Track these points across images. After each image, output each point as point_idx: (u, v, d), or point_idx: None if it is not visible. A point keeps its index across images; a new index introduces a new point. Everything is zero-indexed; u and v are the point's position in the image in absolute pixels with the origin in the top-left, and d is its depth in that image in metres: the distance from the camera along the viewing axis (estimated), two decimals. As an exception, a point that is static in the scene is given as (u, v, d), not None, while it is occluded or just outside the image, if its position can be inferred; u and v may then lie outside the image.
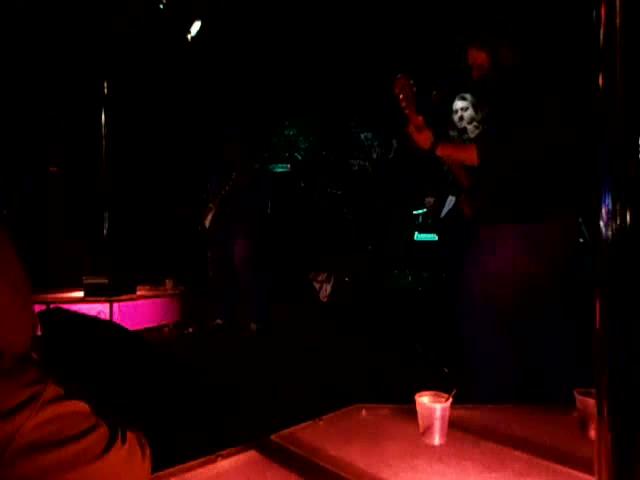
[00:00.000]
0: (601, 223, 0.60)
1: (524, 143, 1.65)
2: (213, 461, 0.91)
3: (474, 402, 1.27)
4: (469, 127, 3.10)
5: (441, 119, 3.28)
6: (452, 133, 3.25)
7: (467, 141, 3.06)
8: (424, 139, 1.89)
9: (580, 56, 1.62)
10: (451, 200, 3.26)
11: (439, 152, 1.87)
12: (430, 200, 3.64)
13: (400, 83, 1.90)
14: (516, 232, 1.74)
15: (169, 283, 4.66)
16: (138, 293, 4.29)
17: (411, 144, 1.97)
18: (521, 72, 1.74)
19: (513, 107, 1.72)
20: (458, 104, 3.12)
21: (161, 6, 4.18)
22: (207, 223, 3.98)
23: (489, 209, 1.85)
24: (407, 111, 1.91)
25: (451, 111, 3.18)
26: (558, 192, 1.72)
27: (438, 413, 0.98)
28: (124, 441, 0.68)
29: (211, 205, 3.94)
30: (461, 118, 3.10)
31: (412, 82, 1.90)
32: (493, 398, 1.72)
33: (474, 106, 3.07)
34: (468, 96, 3.10)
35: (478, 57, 1.84)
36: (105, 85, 4.41)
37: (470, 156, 1.78)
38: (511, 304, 1.75)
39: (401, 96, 1.90)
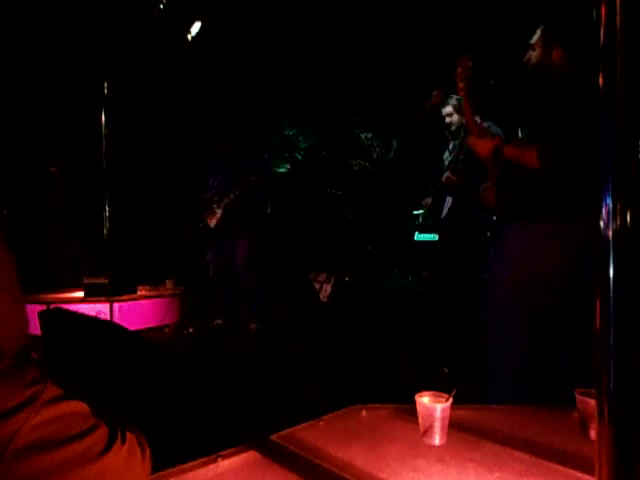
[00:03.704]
0: (601, 223, 0.60)
1: (580, 148, 1.64)
2: (213, 461, 0.91)
3: (474, 401, 1.27)
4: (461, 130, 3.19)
5: (440, 120, 3.32)
6: (447, 134, 3.32)
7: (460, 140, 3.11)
8: (484, 144, 1.89)
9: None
10: (449, 200, 3.28)
11: (506, 154, 1.84)
12: (427, 201, 3.68)
13: (463, 62, 1.93)
14: (551, 232, 1.72)
15: (169, 283, 4.66)
16: (138, 293, 4.29)
17: (473, 152, 1.99)
18: (572, 79, 1.71)
19: (568, 111, 1.68)
20: (444, 111, 3.24)
21: (161, 6, 4.18)
22: (213, 224, 3.95)
23: (525, 206, 1.82)
24: (462, 93, 1.96)
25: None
26: (578, 192, 1.71)
27: (438, 413, 0.98)
28: (124, 441, 0.68)
29: (216, 208, 3.92)
30: (450, 123, 3.22)
31: (471, 65, 1.93)
32: (510, 396, 1.71)
33: (457, 110, 3.17)
34: (451, 101, 3.18)
35: (536, 43, 1.84)
36: (105, 85, 4.40)
37: (531, 160, 1.74)
38: (518, 303, 1.74)
39: (462, 75, 1.93)
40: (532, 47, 1.85)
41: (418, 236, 5.55)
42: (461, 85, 1.94)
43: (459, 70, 1.94)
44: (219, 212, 3.90)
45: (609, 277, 0.59)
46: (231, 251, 3.95)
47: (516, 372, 1.78)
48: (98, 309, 3.79)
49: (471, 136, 2.00)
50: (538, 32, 1.85)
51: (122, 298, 3.99)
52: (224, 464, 0.91)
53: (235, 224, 3.91)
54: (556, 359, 1.79)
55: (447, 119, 3.24)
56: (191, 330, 4.07)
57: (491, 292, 1.88)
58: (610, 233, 0.59)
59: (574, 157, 1.65)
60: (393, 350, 3.39)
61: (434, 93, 3.13)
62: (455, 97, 3.16)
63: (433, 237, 5.19)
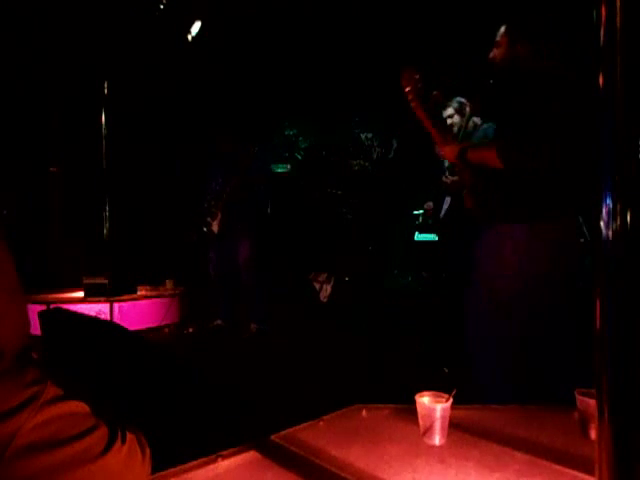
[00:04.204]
0: (601, 223, 0.60)
1: (546, 150, 1.62)
2: (213, 461, 0.91)
3: (474, 401, 1.27)
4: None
5: (442, 120, 3.32)
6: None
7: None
8: (449, 150, 1.91)
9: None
10: (447, 200, 3.29)
11: (470, 157, 1.85)
12: (430, 204, 3.70)
13: (407, 76, 1.91)
14: (525, 232, 1.73)
15: (169, 283, 4.66)
16: (138, 293, 4.29)
17: (441, 155, 1.99)
18: (537, 74, 1.71)
19: (530, 109, 1.67)
20: (445, 113, 3.23)
21: (161, 6, 4.17)
22: (215, 228, 3.96)
23: (499, 207, 1.82)
24: (413, 105, 1.92)
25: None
26: (567, 192, 1.71)
27: (438, 413, 0.98)
28: (124, 441, 0.68)
29: (215, 210, 3.92)
30: (451, 125, 3.22)
31: (419, 76, 1.91)
32: (495, 396, 1.72)
33: (458, 112, 3.17)
34: (452, 103, 3.18)
35: (501, 40, 1.83)
36: (105, 85, 4.40)
37: (493, 159, 1.73)
38: (519, 304, 1.75)
39: (408, 89, 1.90)
40: (497, 44, 1.84)
41: (418, 236, 5.55)
42: (410, 97, 1.90)
43: (404, 83, 1.90)
44: (219, 215, 3.91)
45: (609, 277, 0.59)
46: (233, 251, 3.95)
47: (503, 373, 1.79)
48: (98, 309, 3.79)
49: (437, 144, 1.99)
50: (502, 29, 1.84)
51: (122, 298, 3.99)
52: (224, 464, 0.91)
53: (236, 224, 3.91)
54: (556, 359, 1.80)
55: (448, 120, 3.23)
56: (191, 330, 4.07)
57: (470, 294, 1.89)
58: (610, 233, 0.59)
59: (536, 154, 1.64)
60: (393, 350, 3.40)
61: (433, 93, 3.13)
62: (456, 99, 3.16)
63: (433, 237, 5.19)
